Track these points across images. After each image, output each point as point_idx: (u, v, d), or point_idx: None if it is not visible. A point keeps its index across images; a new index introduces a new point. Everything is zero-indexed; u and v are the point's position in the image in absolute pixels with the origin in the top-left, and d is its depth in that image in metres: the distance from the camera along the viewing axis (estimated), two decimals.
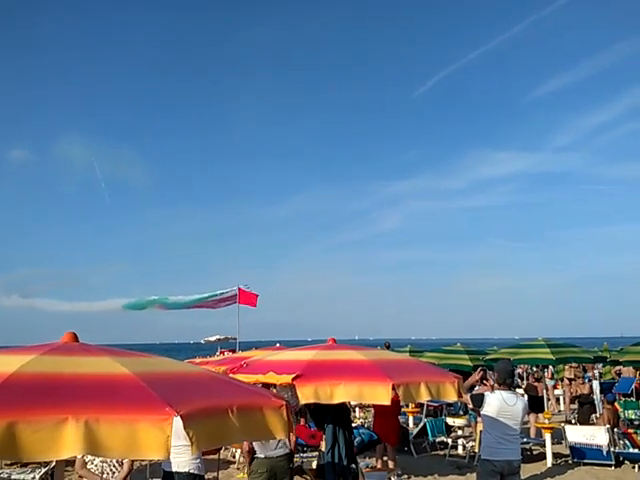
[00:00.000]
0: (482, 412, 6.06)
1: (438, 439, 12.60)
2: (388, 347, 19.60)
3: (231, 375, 5.28)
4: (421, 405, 14.64)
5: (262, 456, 6.06)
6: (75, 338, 3.48)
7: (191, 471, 5.62)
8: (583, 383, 15.97)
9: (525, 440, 11.89)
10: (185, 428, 2.57)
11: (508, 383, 6.12)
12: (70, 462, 4.48)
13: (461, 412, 15.35)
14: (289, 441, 6.20)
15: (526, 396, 13.67)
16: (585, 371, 20.20)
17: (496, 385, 6.11)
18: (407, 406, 14.17)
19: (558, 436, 11.75)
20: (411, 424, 14.09)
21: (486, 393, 6.08)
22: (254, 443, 6.02)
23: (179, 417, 2.60)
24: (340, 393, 5.09)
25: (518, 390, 16.71)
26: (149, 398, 2.72)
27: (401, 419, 12.59)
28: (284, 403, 3.26)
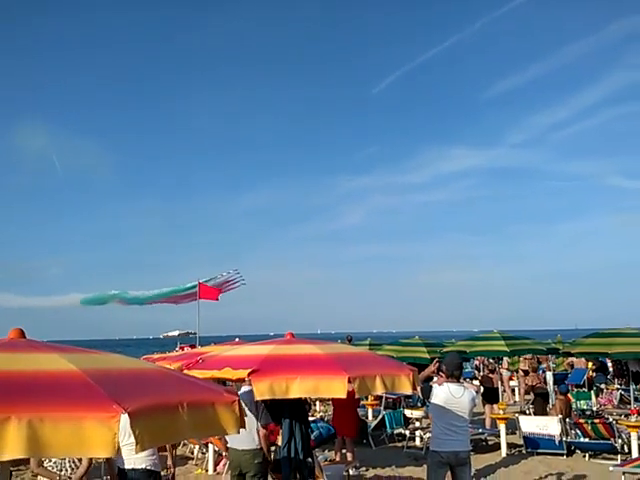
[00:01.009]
0: (430, 404, 6.18)
1: (396, 431, 12.76)
2: (350, 340, 19.74)
3: (186, 371, 5.24)
4: (380, 397, 14.79)
5: (230, 446, 6.17)
6: (22, 334, 3.39)
7: (147, 468, 5.55)
8: (537, 374, 16.36)
9: (480, 431, 12.15)
10: (132, 426, 2.54)
11: (456, 375, 6.21)
12: (24, 460, 4.39)
13: (419, 404, 15.55)
14: (259, 436, 6.24)
15: (482, 387, 14.01)
16: (539, 363, 20.70)
17: (444, 377, 6.22)
18: (366, 399, 14.30)
19: (512, 426, 12.02)
20: (370, 416, 14.23)
21: (434, 385, 6.19)
22: None
23: (127, 414, 2.57)
24: (296, 388, 5.10)
25: (474, 382, 17.10)
26: (96, 395, 2.68)
27: (360, 412, 12.71)
28: (236, 399, 3.25)
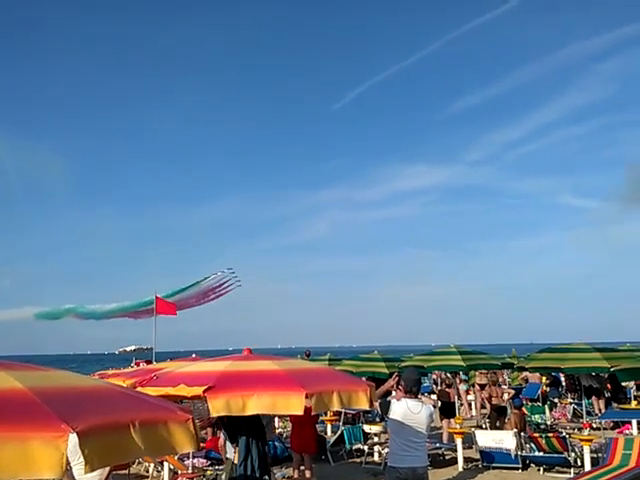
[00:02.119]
0: (388, 419, 6.18)
1: (355, 447, 12.72)
2: (308, 356, 19.70)
3: (140, 388, 5.13)
4: (339, 413, 14.76)
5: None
6: None
7: None
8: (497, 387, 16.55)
9: (437, 445, 12.23)
10: (80, 445, 2.48)
11: (414, 391, 6.22)
12: None
13: (378, 419, 15.58)
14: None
15: (439, 402, 14.12)
16: (496, 377, 21.02)
17: (402, 393, 6.24)
18: (325, 414, 14.25)
19: (469, 441, 12.13)
20: (329, 432, 14.17)
21: (392, 401, 6.20)
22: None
23: (75, 434, 2.50)
24: (253, 404, 5.05)
25: (432, 396, 17.24)
26: (44, 414, 2.61)
27: (319, 427, 12.64)
28: (190, 417, 3.20)
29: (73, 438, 2.51)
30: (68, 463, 2.50)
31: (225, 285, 22.86)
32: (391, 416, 6.13)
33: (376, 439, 13.15)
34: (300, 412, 5.11)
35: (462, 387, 19.03)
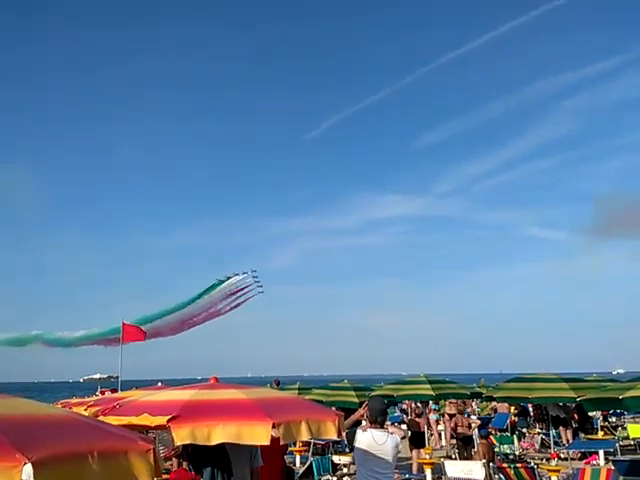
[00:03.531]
0: (354, 449, 6.13)
1: (324, 478, 12.56)
2: (278, 384, 19.48)
3: (102, 417, 5.00)
4: (308, 443, 14.59)
5: None
6: None
7: None
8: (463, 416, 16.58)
9: (407, 476, 12.15)
10: (35, 476, 2.40)
11: (379, 421, 6.18)
12: None
13: (347, 449, 15.43)
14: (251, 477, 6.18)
15: (409, 432, 14.06)
16: (465, 406, 21.06)
17: (368, 424, 6.20)
18: (294, 444, 14.07)
19: (439, 471, 12.08)
20: (297, 463, 13.97)
21: (358, 431, 6.15)
22: None
23: (30, 464, 2.43)
24: (218, 434, 4.94)
25: (402, 426, 17.15)
26: None
27: (288, 458, 12.45)
28: (151, 447, 3.12)
29: (28, 468, 2.43)
30: None
31: (246, 291, 21.66)
32: (356, 446, 6.08)
33: (345, 470, 13.02)
34: (266, 442, 5.01)
35: (433, 417, 19.00)
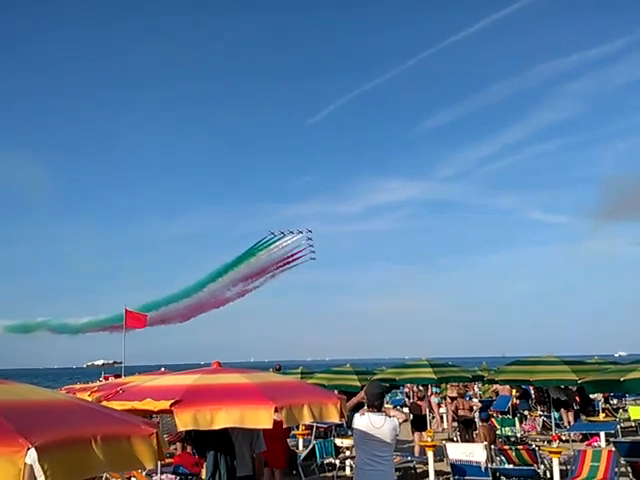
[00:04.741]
0: (353, 433, 6.16)
1: (326, 461, 12.66)
2: (279, 369, 19.57)
3: (105, 402, 5.02)
4: (311, 427, 14.68)
5: None
6: None
7: None
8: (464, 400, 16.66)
9: (409, 458, 12.22)
10: (39, 461, 2.41)
11: (377, 405, 6.19)
12: None
13: (349, 432, 15.53)
14: (253, 463, 6.22)
15: (411, 415, 14.14)
16: (467, 390, 21.14)
17: (366, 407, 6.22)
18: (297, 428, 14.16)
19: (441, 454, 12.15)
20: (300, 446, 14.06)
21: (355, 415, 6.18)
22: None
23: (34, 449, 2.44)
24: (221, 418, 4.96)
25: (404, 409, 17.25)
26: (1, 428, 2.53)
27: (291, 442, 12.54)
28: (154, 431, 3.14)
29: (32, 453, 2.44)
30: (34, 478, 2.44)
31: (297, 254, 19.36)
32: (355, 430, 6.11)
33: (348, 453, 13.09)
34: (269, 426, 5.04)
35: (435, 400, 19.10)
